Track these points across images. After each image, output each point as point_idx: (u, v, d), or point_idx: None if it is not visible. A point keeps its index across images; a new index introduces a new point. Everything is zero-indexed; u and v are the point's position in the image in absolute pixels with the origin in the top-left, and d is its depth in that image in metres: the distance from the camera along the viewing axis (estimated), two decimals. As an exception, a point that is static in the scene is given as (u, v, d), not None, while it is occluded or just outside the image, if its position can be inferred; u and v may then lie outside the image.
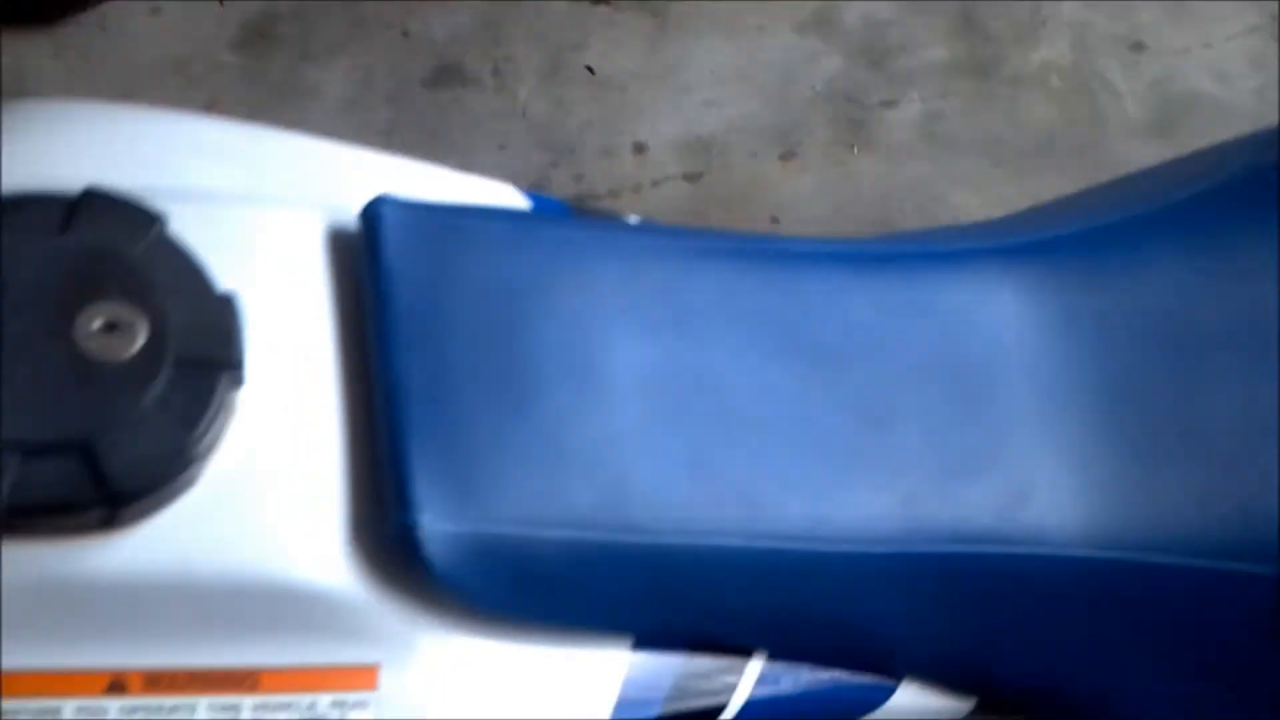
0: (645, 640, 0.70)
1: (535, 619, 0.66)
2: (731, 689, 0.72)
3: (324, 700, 0.61)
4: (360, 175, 0.72)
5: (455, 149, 1.69)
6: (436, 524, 0.62)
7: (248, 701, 0.60)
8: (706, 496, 0.69)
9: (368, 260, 0.67)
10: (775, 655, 0.73)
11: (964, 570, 0.73)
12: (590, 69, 1.80)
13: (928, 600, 0.74)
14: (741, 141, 1.77)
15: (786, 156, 1.77)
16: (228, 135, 0.73)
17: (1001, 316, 0.78)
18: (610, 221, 0.79)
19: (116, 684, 0.59)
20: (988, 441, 0.75)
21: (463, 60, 1.79)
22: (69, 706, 0.58)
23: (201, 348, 0.59)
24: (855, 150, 1.77)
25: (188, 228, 0.62)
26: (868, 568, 0.72)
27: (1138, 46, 1.88)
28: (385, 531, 0.62)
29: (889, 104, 1.82)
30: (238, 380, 0.60)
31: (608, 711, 0.69)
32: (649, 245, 0.75)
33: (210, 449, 0.59)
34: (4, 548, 0.57)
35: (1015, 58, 1.86)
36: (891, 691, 0.77)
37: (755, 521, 0.69)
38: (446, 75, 1.77)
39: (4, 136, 0.66)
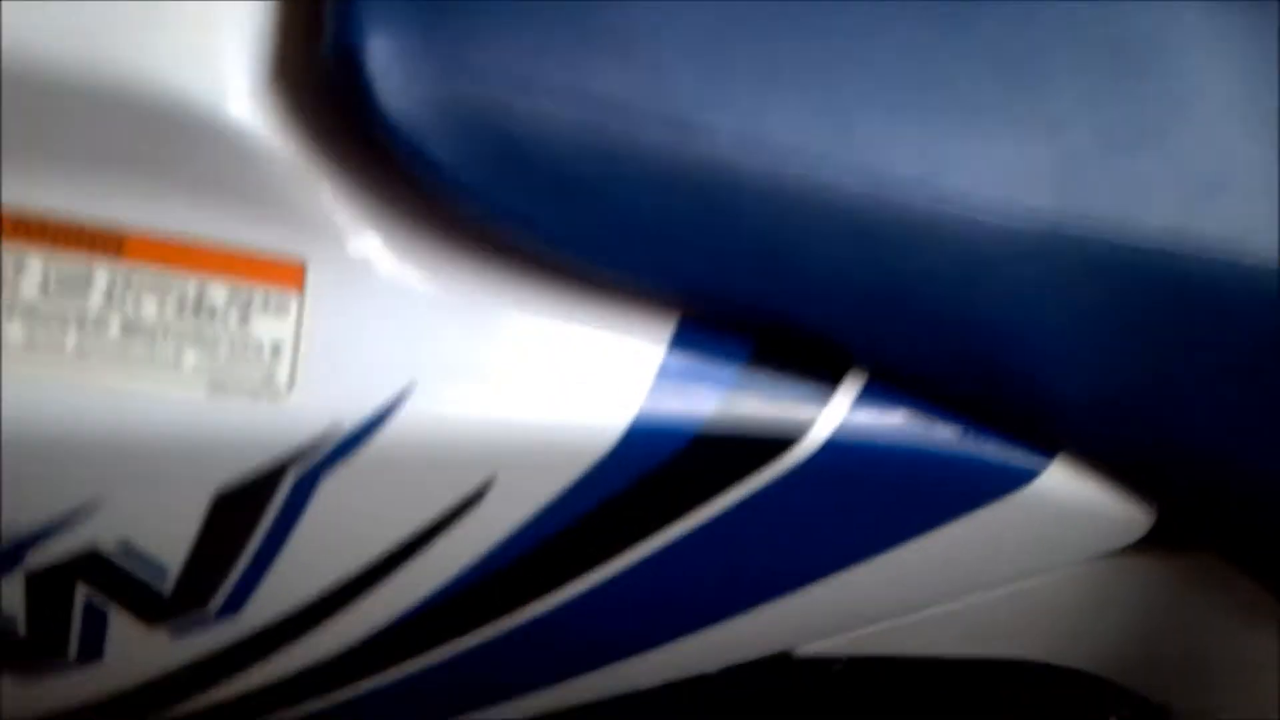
0: (697, 315, 0.51)
1: (529, 230, 0.47)
2: (812, 418, 0.52)
3: (217, 291, 0.42)
4: None
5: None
6: (390, 58, 0.43)
7: (101, 272, 0.42)
8: (782, 111, 0.49)
9: None
10: (878, 375, 0.54)
11: (1137, 273, 0.53)
12: None
13: (1087, 318, 0.54)
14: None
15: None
16: None
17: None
18: None
19: None
20: (1165, 116, 0.56)
21: None
22: None
23: None
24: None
25: None
26: (1004, 248, 0.52)
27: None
28: (321, 70, 0.43)
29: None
30: None
31: (629, 412, 0.49)
32: None
33: None
34: None
35: None
36: (1036, 473, 0.57)
37: (846, 152, 0.50)
38: None
39: None
